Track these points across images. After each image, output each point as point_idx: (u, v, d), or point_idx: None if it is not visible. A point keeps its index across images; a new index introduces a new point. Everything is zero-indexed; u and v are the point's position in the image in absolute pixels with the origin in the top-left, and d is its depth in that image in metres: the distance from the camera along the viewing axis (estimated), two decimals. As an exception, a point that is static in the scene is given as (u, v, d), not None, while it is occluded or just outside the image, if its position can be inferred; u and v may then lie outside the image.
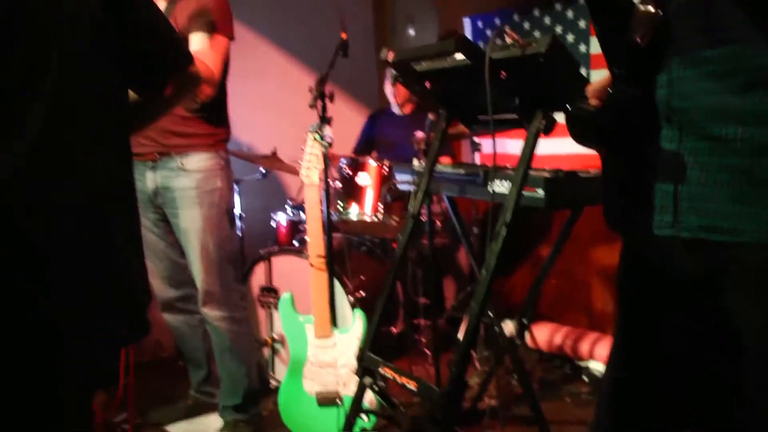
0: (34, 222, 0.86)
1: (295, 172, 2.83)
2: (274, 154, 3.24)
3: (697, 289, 1.00)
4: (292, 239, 3.35)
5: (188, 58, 1.23)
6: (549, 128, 1.71)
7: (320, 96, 2.40)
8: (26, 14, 0.87)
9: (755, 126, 0.84)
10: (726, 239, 0.90)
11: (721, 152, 0.88)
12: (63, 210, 0.91)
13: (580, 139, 1.07)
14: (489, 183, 1.99)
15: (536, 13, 3.54)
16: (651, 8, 0.95)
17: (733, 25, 0.85)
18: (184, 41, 1.24)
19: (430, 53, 1.84)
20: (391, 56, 1.83)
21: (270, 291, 2.98)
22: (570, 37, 3.37)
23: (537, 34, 3.56)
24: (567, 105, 1.07)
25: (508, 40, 1.61)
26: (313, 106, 2.40)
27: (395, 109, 3.90)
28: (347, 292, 2.82)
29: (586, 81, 1.64)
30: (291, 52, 4.31)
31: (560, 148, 3.27)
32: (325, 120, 2.41)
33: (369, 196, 3.00)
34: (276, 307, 2.83)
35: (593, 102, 1.06)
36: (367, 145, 3.97)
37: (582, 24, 3.32)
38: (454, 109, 2.05)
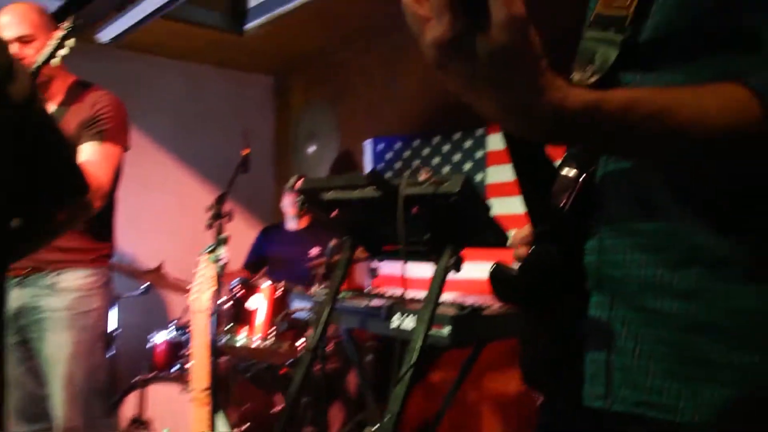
0: None
1: (181, 289, 2.65)
2: (159, 268, 3.03)
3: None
4: (171, 363, 3.07)
5: (85, 187, 1.10)
6: (458, 266, 1.70)
7: (218, 215, 2.27)
8: None
9: (690, 302, 0.81)
10: (663, 417, 0.85)
11: (656, 325, 0.85)
12: None
13: (503, 298, 1.02)
14: (393, 318, 1.92)
15: (436, 140, 3.65)
16: (573, 173, 0.94)
17: (665, 201, 0.83)
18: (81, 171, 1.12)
19: (341, 185, 1.79)
20: (299, 184, 1.77)
21: (141, 424, 2.67)
22: (467, 166, 3.49)
23: (436, 160, 3.66)
24: (492, 265, 1.02)
25: (422, 177, 1.62)
26: (210, 226, 2.27)
27: (290, 224, 3.84)
28: (231, 425, 2.57)
29: (495, 223, 1.67)
30: (189, 164, 4.22)
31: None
32: (221, 241, 2.28)
33: (260, 320, 2.84)
34: (148, 442, 2.54)
35: (520, 250, 1.03)
36: (258, 260, 3.85)
37: (479, 154, 3.44)
38: (360, 238, 2.00)
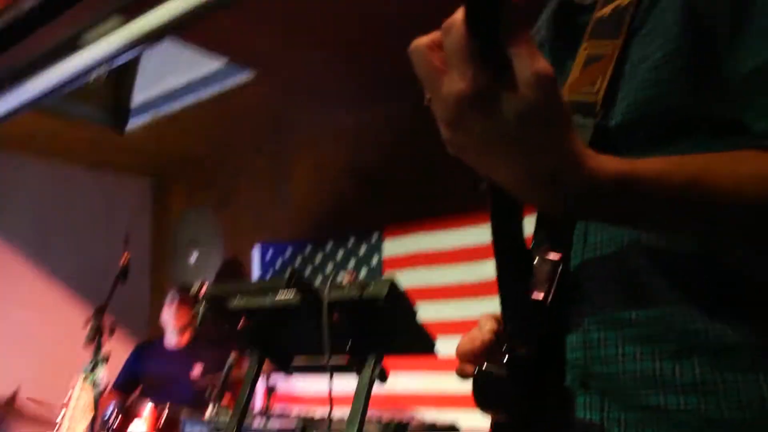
0: None
1: (39, 421, 2.28)
2: (14, 397, 2.61)
3: None
4: None
5: None
6: (384, 377, 1.58)
7: (98, 330, 1.99)
8: None
9: (698, 396, 0.75)
10: None
11: (661, 424, 0.77)
12: None
13: (489, 406, 0.91)
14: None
15: (330, 246, 3.54)
16: (549, 262, 0.88)
17: (656, 286, 0.79)
18: None
19: (252, 289, 1.64)
20: (204, 290, 1.59)
21: None
22: (363, 272, 3.39)
23: (330, 266, 3.54)
24: (478, 366, 0.92)
25: (345, 281, 1.51)
26: (91, 340, 1.98)
27: (169, 340, 3.58)
28: None
29: (423, 329, 1.58)
30: (51, 274, 3.82)
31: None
32: (101, 360, 1.98)
33: (140, 452, 2.47)
34: None
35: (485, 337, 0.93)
36: (130, 381, 3.50)
37: (374, 260, 3.36)
38: (267, 350, 1.81)
